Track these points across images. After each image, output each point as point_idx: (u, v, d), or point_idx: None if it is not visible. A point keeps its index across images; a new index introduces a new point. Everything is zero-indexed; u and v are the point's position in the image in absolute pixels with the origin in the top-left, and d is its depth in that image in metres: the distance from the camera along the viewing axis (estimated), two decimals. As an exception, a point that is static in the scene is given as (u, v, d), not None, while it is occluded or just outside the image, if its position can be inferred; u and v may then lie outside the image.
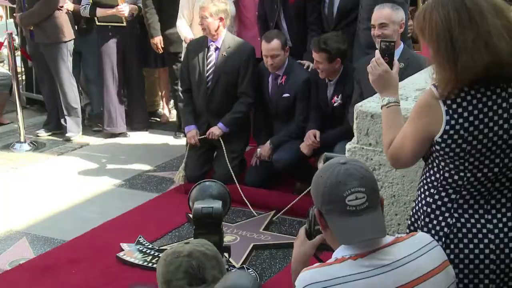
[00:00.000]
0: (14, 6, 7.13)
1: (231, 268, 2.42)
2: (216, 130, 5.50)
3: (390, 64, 2.48)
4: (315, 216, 2.12)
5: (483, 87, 2.17)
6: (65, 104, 6.81)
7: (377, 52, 2.50)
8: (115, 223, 5.03)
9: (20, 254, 4.61)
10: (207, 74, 5.53)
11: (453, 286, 2.10)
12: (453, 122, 2.17)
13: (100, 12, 6.55)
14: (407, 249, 2.02)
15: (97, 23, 6.66)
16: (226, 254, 2.36)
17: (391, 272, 1.96)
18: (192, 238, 2.22)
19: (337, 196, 1.98)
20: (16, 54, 6.91)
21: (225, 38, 5.51)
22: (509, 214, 2.25)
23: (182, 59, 5.97)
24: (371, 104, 3.14)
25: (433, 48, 2.19)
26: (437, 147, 2.23)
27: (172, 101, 7.45)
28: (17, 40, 7.61)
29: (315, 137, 5.13)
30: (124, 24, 6.61)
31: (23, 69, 7.84)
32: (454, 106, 2.17)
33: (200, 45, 5.58)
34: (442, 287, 2.04)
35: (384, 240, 2.02)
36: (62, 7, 6.53)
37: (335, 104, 5.16)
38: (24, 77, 7.87)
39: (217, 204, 2.34)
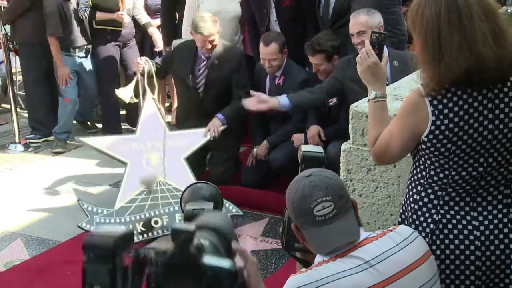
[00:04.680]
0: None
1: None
2: (216, 122, 5.31)
3: (379, 56, 2.48)
4: (288, 221, 2.22)
5: (470, 88, 2.18)
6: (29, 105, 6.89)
7: (367, 42, 2.50)
8: (111, 224, 5.02)
9: (15, 255, 4.60)
10: (198, 80, 5.50)
11: (437, 275, 2.13)
12: (438, 122, 2.18)
13: (100, 16, 6.48)
14: (386, 244, 2.06)
15: (95, 26, 6.62)
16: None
17: (371, 268, 2.00)
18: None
19: (305, 209, 2.04)
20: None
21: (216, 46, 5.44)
22: (495, 211, 2.27)
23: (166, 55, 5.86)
24: (366, 105, 3.13)
25: (421, 43, 2.20)
26: (423, 146, 2.24)
27: (167, 104, 7.46)
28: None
29: (319, 136, 5.12)
30: (123, 29, 6.58)
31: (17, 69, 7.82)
32: (440, 106, 2.18)
33: (188, 50, 5.49)
34: (426, 278, 2.07)
35: (360, 238, 2.07)
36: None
37: (331, 104, 5.16)
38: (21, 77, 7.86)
39: (209, 206, 2.33)
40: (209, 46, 5.34)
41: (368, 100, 2.47)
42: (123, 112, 7.29)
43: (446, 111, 2.18)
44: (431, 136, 2.20)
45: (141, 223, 4.89)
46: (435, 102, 2.19)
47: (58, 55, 6.35)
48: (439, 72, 2.14)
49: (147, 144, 5.16)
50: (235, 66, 5.45)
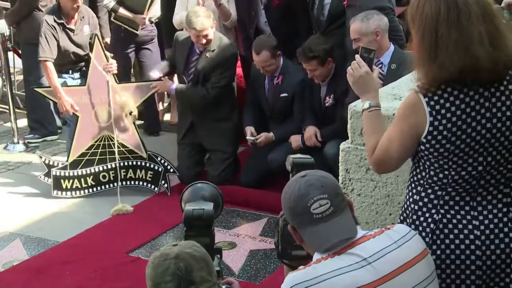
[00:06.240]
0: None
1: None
2: (165, 85, 5.54)
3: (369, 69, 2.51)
4: (283, 228, 2.23)
5: (466, 87, 2.18)
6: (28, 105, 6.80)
7: (357, 56, 2.52)
8: (109, 224, 5.02)
9: (14, 256, 4.61)
10: (189, 73, 5.52)
11: (434, 273, 2.13)
12: (436, 123, 2.19)
13: (122, 12, 6.35)
14: (383, 242, 2.07)
15: (112, 19, 6.55)
16: (218, 256, 2.36)
17: (369, 266, 2.02)
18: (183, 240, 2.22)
19: (302, 208, 2.05)
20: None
21: (213, 40, 5.45)
22: (495, 211, 2.27)
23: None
24: (365, 104, 3.13)
25: (418, 39, 2.21)
26: (422, 147, 2.25)
27: (166, 104, 7.45)
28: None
29: (316, 137, 5.12)
30: (138, 32, 6.44)
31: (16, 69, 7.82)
32: (438, 107, 2.19)
33: (186, 43, 5.54)
34: (423, 275, 2.07)
35: (358, 236, 2.08)
36: (44, 6, 6.43)
37: (327, 105, 5.17)
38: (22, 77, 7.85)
39: (208, 206, 2.34)
40: (203, 40, 5.37)
41: (363, 111, 2.47)
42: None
43: (443, 111, 2.18)
44: (429, 137, 2.20)
45: (91, 177, 5.46)
46: (432, 103, 2.19)
47: (52, 81, 5.56)
48: (433, 71, 2.16)
49: (96, 98, 5.53)
50: (222, 62, 5.44)
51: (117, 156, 5.45)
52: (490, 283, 2.28)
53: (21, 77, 7.53)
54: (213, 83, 5.45)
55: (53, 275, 4.31)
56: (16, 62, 7.61)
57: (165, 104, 7.56)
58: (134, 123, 5.59)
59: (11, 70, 7.16)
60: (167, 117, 7.37)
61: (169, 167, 5.52)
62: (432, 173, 2.27)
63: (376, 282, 2.00)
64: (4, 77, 6.90)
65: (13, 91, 7.00)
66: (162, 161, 5.54)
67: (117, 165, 5.44)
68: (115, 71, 5.59)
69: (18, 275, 4.33)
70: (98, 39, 5.57)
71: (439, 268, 2.24)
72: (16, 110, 6.84)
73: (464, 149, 2.20)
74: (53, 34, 5.65)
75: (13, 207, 5.36)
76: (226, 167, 5.53)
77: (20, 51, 7.18)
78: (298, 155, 2.55)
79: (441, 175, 2.25)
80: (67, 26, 5.71)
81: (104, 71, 5.49)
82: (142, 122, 7.04)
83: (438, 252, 2.25)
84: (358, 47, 4.38)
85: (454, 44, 2.13)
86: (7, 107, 6.89)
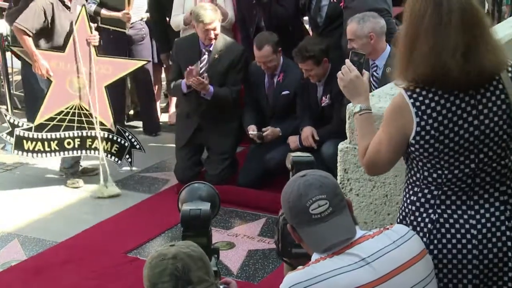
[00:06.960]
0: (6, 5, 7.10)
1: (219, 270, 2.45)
2: (205, 86, 5.29)
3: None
4: (283, 227, 2.24)
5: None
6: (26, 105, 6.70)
7: (347, 60, 2.54)
8: (108, 224, 5.02)
9: (12, 256, 4.60)
10: (201, 72, 5.48)
11: (433, 273, 2.14)
12: (423, 123, 2.20)
13: (105, 13, 6.32)
14: (382, 242, 2.08)
15: (99, 24, 6.54)
16: (215, 256, 2.35)
17: (368, 266, 2.02)
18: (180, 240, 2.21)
19: (301, 208, 2.06)
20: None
21: (217, 40, 5.46)
22: (492, 209, 2.27)
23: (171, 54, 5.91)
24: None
25: (403, 32, 2.24)
26: (412, 149, 2.26)
27: (163, 104, 7.45)
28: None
29: (313, 137, 5.12)
30: (126, 31, 6.42)
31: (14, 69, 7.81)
32: (423, 107, 2.20)
33: (191, 45, 5.52)
34: (422, 276, 2.08)
35: (356, 236, 2.08)
36: None
37: (323, 104, 5.18)
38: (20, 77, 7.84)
39: (205, 206, 2.34)
40: (212, 35, 5.35)
41: (354, 114, 2.48)
42: (130, 112, 7.36)
43: (429, 111, 2.19)
44: (418, 138, 2.22)
45: (56, 142, 5.55)
46: (417, 103, 2.21)
47: (31, 49, 5.47)
48: (410, 70, 2.18)
49: (73, 66, 5.56)
50: (235, 62, 5.46)
51: (97, 126, 5.51)
52: (488, 282, 2.28)
53: (19, 77, 7.51)
54: (234, 83, 5.48)
55: (51, 276, 4.31)
56: (14, 62, 7.61)
57: (163, 105, 7.56)
58: (107, 96, 5.61)
59: (9, 70, 7.16)
60: (164, 117, 7.37)
61: (135, 143, 5.64)
62: (426, 173, 2.28)
63: (374, 282, 2.01)
64: (2, 77, 6.90)
65: (11, 91, 7.01)
66: (130, 137, 5.63)
67: (98, 135, 5.52)
68: (97, 43, 5.64)
69: (16, 275, 4.32)
70: (85, 10, 5.61)
71: (436, 267, 2.24)
72: (14, 111, 6.85)
73: (454, 148, 2.21)
74: (45, 14, 5.53)
75: (11, 208, 5.35)
76: (225, 167, 5.52)
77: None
78: (298, 153, 2.55)
79: (435, 175, 2.26)
80: (65, 3, 5.65)
81: (86, 42, 5.53)
82: (141, 122, 7.06)
83: (436, 251, 2.25)
84: (352, 47, 4.40)
85: (429, 48, 2.15)
86: (5, 107, 6.89)
